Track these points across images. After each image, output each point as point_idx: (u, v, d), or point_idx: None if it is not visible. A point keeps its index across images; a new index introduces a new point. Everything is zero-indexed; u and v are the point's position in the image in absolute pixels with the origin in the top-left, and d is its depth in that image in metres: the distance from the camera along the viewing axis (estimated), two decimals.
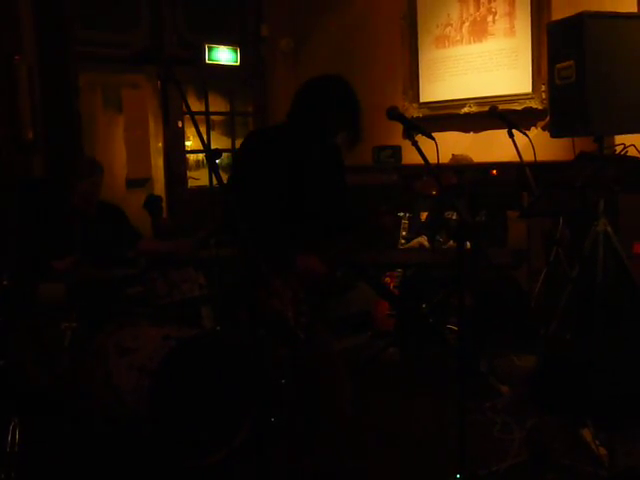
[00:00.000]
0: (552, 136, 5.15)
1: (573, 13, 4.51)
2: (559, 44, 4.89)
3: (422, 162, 2.94)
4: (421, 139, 2.99)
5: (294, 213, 3.06)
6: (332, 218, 3.18)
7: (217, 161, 2.46)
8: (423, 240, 5.31)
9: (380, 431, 4.03)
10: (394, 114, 3.04)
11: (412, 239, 5.38)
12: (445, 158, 5.26)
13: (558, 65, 4.85)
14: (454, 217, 5.15)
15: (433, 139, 2.91)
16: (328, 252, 3.09)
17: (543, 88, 5.58)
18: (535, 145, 4.38)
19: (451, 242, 5.11)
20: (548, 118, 5.40)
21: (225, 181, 2.55)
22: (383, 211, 3.21)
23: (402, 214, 5.47)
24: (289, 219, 3.05)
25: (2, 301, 3.69)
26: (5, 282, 3.64)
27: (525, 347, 5.05)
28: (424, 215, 5.46)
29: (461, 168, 5.00)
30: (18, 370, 3.91)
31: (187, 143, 6.57)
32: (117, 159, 6.03)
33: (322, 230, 3.14)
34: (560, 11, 5.37)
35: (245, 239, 2.33)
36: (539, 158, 4.41)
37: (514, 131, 4.50)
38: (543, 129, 5.57)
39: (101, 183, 4.56)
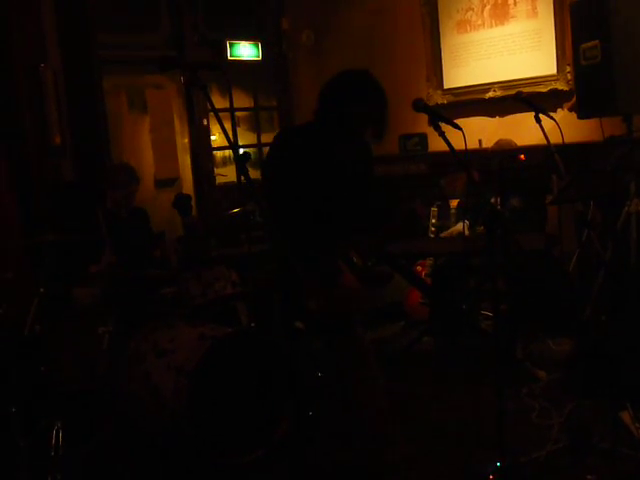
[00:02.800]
0: (579, 117, 5.12)
1: None
2: (583, 24, 4.85)
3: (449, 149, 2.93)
4: (447, 126, 2.98)
5: (324, 212, 3.07)
6: (360, 216, 3.19)
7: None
8: (461, 227, 5.26)
9: (418, 421, 4.03)
10: (420, 106, 3.03)
11: (443, 227, 5.36)
12: (472, 144, 5.23)
13: (583, 45, 4.81)
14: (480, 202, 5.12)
15: (460, 129, 2.90)
16: (361, 247, 3.10)
17: (568, 69, 5.52)
18: (562, 127, 4.34)
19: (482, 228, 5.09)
20: (574, 99, 5.37)
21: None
22: (418, 206, 3.20)
23: (418, 207, 5.45)
24: (320, 218, 3.05)
25: (40, 308, 3.75)
26: (42, 289, 3.70)
27: (561, 331, 5.02)
28: (454, 203, 5.43)
29: (508, 152, 4.95)
30: (59, 375, 3.97)
31: (212, 137, 6.59)
32: (144, 160, 6.07)
33: (351, 228, 3.14)
34: None
35: (281, 242, 2.34)
36: (567, 140, 4.37)
37: (541, 115, 4.45)
38: (570, 110, 5.52)
39: (136, 192, 4.61)
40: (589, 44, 4.75)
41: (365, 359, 3.19)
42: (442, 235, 5.38)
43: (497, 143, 5.10)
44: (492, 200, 5.03)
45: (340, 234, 3.10)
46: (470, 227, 5.23)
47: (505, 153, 5.04)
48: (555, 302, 4.91)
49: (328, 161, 3.10)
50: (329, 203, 3.08)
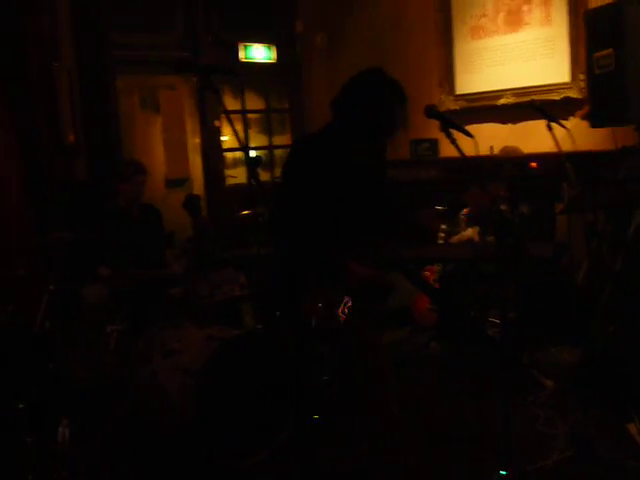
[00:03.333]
0: (592, 126, 5.11)
1: (611, 0, 4.44)
2: (597, 32, 4.83)
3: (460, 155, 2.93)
4: (459, 132, 2.98)
5: (339, 217, 3.07)
6: (376, 221, 3.19)
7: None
8: (472, 233, 5.27)
9: (422, 426, 4.03)
10: (432, 112, 3.03)
11: (452, 233, 5.36)
12: (484, 151, 5.23)
13: (597, 54, 4.80)
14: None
15: (471, 137, 2.90)
16: (376, 254, 3.10)
17: (581, 77, 5.51)
18: (574, 135, 4.35)
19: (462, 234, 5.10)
20: (587, 107, 5.35)
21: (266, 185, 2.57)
22: (438, 213, 3.20)
23: (440, 208, 5.44)
24: (336, 223, 3.06)
25: (49, 305, 3.77)
26: (52, 287, 3.72)
27: (568, 340, 5.01)
28: (465, 211, 5.42)
29: (515, 160, 4.94)
30: (67, 372, 3.99)
31: (223, 138, 6.60)
32: (155, 159, 6.09)
33: (367, 232, 3.14)
34: None
35: (291, 248, 2.34)
36: (579, 148, 4.38)
37: (553, 123, 4.45)
38: (582, 119, 5.50)
39: (144, 184, 4.63)
40: (603, 52, 4.74)
41: (378, 361, 3.18)
42: (451, 240, 5.37)
43: (503, 150, 5.09)
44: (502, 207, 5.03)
45: (355, 239, 3.10)
46: (480, 234, 5.23)
47: (514, 160, 5.03)
48: (562, 311, 4.90)
49: (344, 164, 3.10)
50: (345, 207, 3.08)
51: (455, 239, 5.36)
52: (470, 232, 5.31)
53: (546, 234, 5.02)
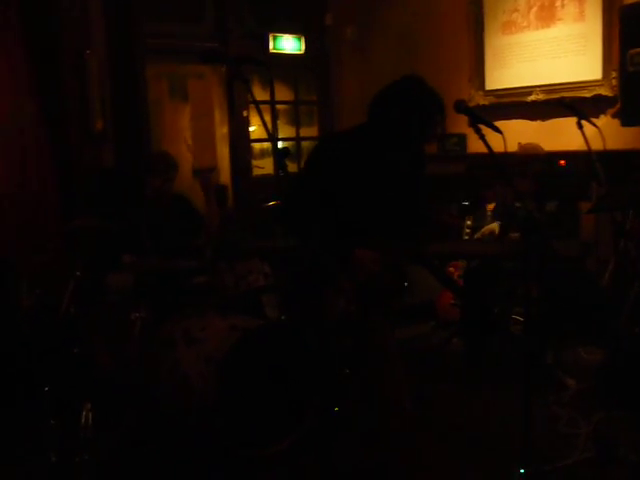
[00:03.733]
0: (623, 124, 5.07)
1: None
2: (632, 29, 4.79)
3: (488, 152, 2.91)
4: (487, 128, 2.96)
5: (365, 217, 3.07)
6: (406, 221, 3.18)
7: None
8: (495, 227, 5.24)
9: (443, 423, 4.03)
10: (462, 108, 3.01)
11: (478, 228, 5.33)
12: (512, 147, 5.18)
13: (631, 51, 4.75)
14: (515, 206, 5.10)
15: (500, 132, 2.88)
16: (396, 252, 3.10)
17: (614, 75, 5.45)
18: (605, 133, 4.30)
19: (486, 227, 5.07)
20: (618, 106, 5.30)
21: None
22: (452, 215, 3.18)
23: (467, 203, 5.42)
24: (360, 222, 3.05)
25: (75, 291, 3.80)
26: (78, 273, 3.75)
27: (593, 340, 4.97)
28: (490, 207, 5.40)
29: (528, 159, 4.91)
30: (90, 357, 4.03)
31: (250, 128, 6.62)
32: (183, 148, 6.12)
33: (392, 232, 3.14)
34: None
35: (312, 240, 2.35)
36: (609, 146, 4.33)
37: (583, 121, 4.40)
38: (613, 117, 5.45)
39: (175, 179, 4.66)
40: (637, 50, 4.69)
41: (393, 358, 3.19)
42: (476, 236, 5.35)
43: (522, 147, 5.03)
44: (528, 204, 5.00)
45: (381, 235, 3.10)
46: (501, 230, 5.20)
47: (543, 157, 4.98)
48: (587, 310, 4.86)
49: (377, 166, 3.08)
50: (374, 206, 3.07)
51: (478, 234, 5.34)
52: (492, 226, 5.28)
53: (571, 232, 4.98)
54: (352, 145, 3.10)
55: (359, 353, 3.19)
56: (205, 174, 4.48)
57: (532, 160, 4.93)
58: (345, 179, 3.01)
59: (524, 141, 5.22)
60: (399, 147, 3.10)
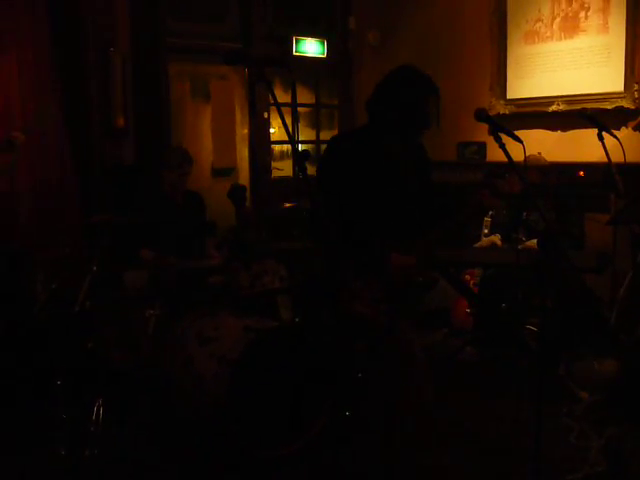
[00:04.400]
0: None
1: None
2: None
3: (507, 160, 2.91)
4: (507, 138, 2.96)
5: (380, 212, 3.08)
6: (418, 216, 3.19)
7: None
8: (496, 239, 5.25)
9: (454, 431, 4.02)
10: (482, 116, 3.01)
11: (475, 237, 5.34)
12: None
13: None
14: (532, 217, 5.09)
15: (521, 142, 2.88)
16: (416, 248, 3.10)
17: (636, 87, 5.43)
18: (625, 146, 4.28)
19: (528, 242, 5.05)
20: None
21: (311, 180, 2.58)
22: (487, 193, 3.17)
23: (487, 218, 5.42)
24: (376, 219, 3.07)
25: (91, 286, 3.83)
26: (95, 268, 3.77)
27: (606, 352, 4.94)
28: (487, 218, 5.40)
29: (542, 169, 4.91)
30: (103, 352, 4.05)
31: (271, 130, 6.63)
32: (204, 148, 6.15)
33: (408, 227, 3.15)
34: None
35: (331, 242, 2.36)
36: (629, 159, 4.31)
37: (604, 133, 4.39)
38: (634, 129, 5.43)
39: (189, 174, 4.68)
40: None
41: (415, 360, 3.18)
42: (475, 245, 5.36)
43: (527, 159, 5.02)
44: (525, 214, 5.01)
45: (397, 231, 3.11)
46: (502, 240, 5.21)
47: (562, 168, 4.97)
48: (601, 322, 4.84)
49: (382, 161, 3.11)
50: (389, 203, 3.09)
51: (478, 245, 5.34)
52: (493, 238, 5.28)
53: (575, 243, 4.98)
54: (356, 143, 3.13)
55: (379, 355, 3.18)
56: (238, 189, 4.48)
57: (550, 170, 4.93)
58: (353, 177, 3.04)
59: (544, 151, 5.22)
60: (399, 136, 3.13)
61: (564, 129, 5.90)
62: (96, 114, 5.27)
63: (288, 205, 5.11)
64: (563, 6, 5.87)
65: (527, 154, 2.96)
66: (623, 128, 5.48)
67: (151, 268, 4.27)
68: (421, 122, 3.13)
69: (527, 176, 4.93)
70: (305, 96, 6.98)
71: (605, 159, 4.41)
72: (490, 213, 5.38)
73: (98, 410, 3.69)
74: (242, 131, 6.48)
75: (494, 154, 6.03)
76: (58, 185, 5.05)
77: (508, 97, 6.24)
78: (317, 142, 7.04)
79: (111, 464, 3.60)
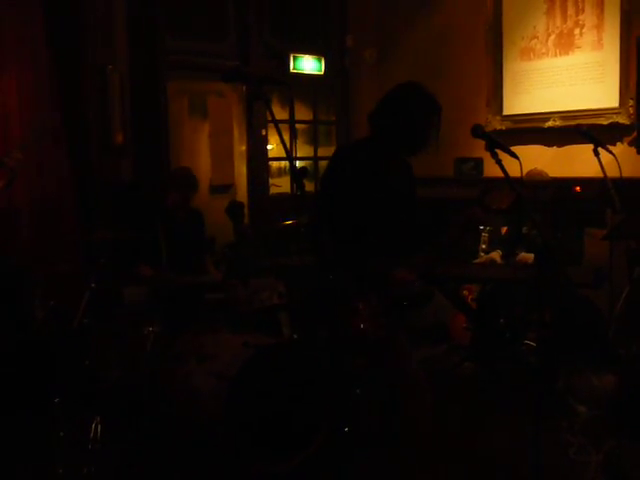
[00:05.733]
0: (639, 152, 5.07)
1: None
2: None
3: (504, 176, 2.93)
4: (504, 154, 2.98)
5: (376, 227, 3.10)
6: (407, 232, 3.21)
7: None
8: (496, 255, 5.27)
9: (452, 446, 4.01)
10: (479, 132, 3.03)
11: (474, 252, 5.36)
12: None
13: None
14: (532, 232, 5.11)
15: (517, 158, 2.89)
16: (411, 263, 3.12)
17: (631, 103, 5.46)
18: (621, 161, 4.30)
19: (522, 255, 5.07)
20: (635, 134, 5.31)
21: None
22: (478, 209, 3.18)
23: (482, 227, 5.44)
24: (372, 233, 3.09)
25: (90, 303, 3.83)
26: (93, 285, 3.78)
27: (605, 367, 4.95)
28: (504, 229, 5.42)
29: (540, 184, 4.93)
30: (101, 370, 4.05)
31: (268, 147, 6.66)
32: (201, 165, 6.16)
33: (399, 243, 3.16)
34: None
35: (331, 256, 2.37)
36: (625, 174, 4.33)
37: (599, 148, 4.41)
38: (629, 145, 5.46)
39: (194, 197, 4.70)
40: None
41: (414, 376, 3.19)
42: (475, 262, 5.37)
43: (528, 173, 5.05)
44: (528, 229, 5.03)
45: (390, 249, 3.13)
46: (503, 257, 5.22)
47: (559, 183, 5.00)
48: (599, 337, 4.85)
49: (379, 176, 3.13)
50: (381, 218, 3.11)
51: (477, 261, 5.36)
52: (494, 255, 5.30)
53: (573, 258, 5.01)
54: (358, 155, 3.15)
55: (377, 372, 3.19)
56: (244, 225, 4.51)
57: (548, 185, 4.96)
58: (354, 189, 3.06)
59: (540, 167, 5.24)
60: (399, 151, 3.15)
61: (560, 145, 5.93)
62: (95, 131, 5.29)
63: (286, 222, 5.13)
64: (558, 23, 5.91)
65: (525, 170, 2.98)
66: (619, 143, 5.51)
67: (149, 284, 4.27)
68: (421, 140, 3.15)
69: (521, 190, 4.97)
70: (303, 113, 7.01)
71: (601, 174, 4.43)
72: (487, 229, 5.41)
73: (96, 428, 3.69)
74: (240, 148, 6.50)
75: (491, 170, 6.05)
76: (57, 201, 5.07)
77: (504, 113, 6.28)
78: (315, 159, 7.06)
79: None
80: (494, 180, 3.13)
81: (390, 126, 3.12)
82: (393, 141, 3.15)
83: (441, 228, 3.25)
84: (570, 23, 5.84)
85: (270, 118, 2.55)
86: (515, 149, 2.93)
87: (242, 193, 6.50)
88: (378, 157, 3.16)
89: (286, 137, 2.67)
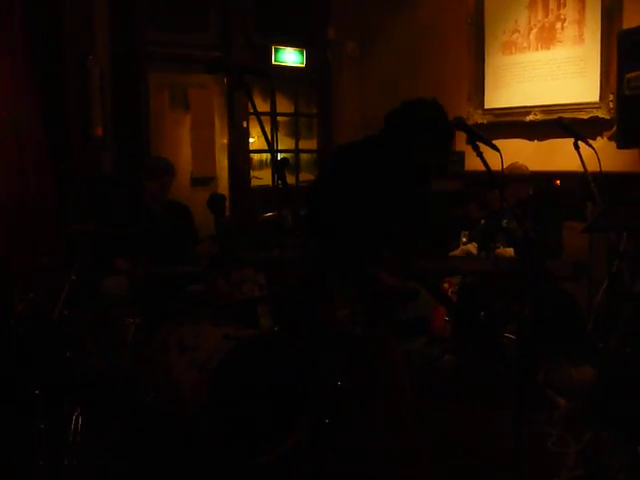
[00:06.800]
0: (619, 147, 5.11)
1: None
2: (630, 53, 4.84)
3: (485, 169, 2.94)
4: (485, 146, 2.99)
5: (377, 226, 3.10)
6: (413, 232, 3.22)
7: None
8: (472, 247, 5.30)
9: (433, 439, 4.02)
10: (460, 124, 3.04)
11: (452, 246, 5.39)
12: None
13: (628, 75, 4.80)
14: (511, 225, 5.13)
15: (498, 150, 2.90)
16: (400, 264, 3.12)
17: (611, 98, 5.50)
18: (601, 155, 4.32)
19: (500, 248, 5.10)
20: (615, 128, 5.35)
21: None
22: (474, 207, 3.20)
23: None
24: (372, 232, 3.09)
25: (70, 295, 3.81)
26: (73, 277, 3.75)
27: (583, 360, 4.99)
28: (483, 221, 5.44)
29: (519, 177, 4.96)
30: (82, 362, 4.03)
31: (250, 139, 6.64)
32: (182, 157, 6.14)
33: (401, 242, 3.17)
34: (632, 19, 5.31)
35: (317, 255, 2.37)
36: (604, 168, 4.35)
37: (580, 142, 4.44)
38: (610, 139, 5.50)
39: (171, 184, 4.68)
40: (634, 74, 4.74)
41: (394, 369, 3.19)
42: (451, 254, 5.39)
43: (509, 167, 5.08)
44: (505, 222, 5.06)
45: (384, 249, 3.13)
46: (479, 249, 5.25)
47: (539, 176, 5.03)
48: (578, 330, 4.89)
49: (387, 179, 3.13)
50: (382, 218, 3.11)
51: (453, 253, 5.38)
52: (469, 247, 5.33)
53: (553, 252, 5.03)
54: (367, 156, 3.14)
55: (360, 366, 3.19)
56: (217, 198, 4.49)
57: (529, 179, 4.98)
58: (359, 189, 3.05)
59: (521, 160, 5.27)
60: (408, 168, 3.15)
61: (541, 139, 5.97)
62: (74, 123, 5.25)
63: (267, 214, 5.12)
64: (539, 17, 5.94)
65: (506, 163, 2.99)
66: (599, 138, 5.55)
67: (126, 276, 4.26)
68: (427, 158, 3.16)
69: (519, 191, 5.00)
70: (284, 105, 7.00)
71: (581, 168, 4.45)
72: None
73: (77, 420, 3.67)
74: (221, 140, 6.48)
75: (472, 163, 6.07)
76: (36, 194, 5.02)
77: (486, 107, 6.30)
78: (296, 151, 7.06)
79: (91, 475, 3.58)
80: (477, 173, 3.14)
81: (408, 142, 3.11)
82: (397, 148, 3.14)
83: (429, 223, 3.27)
84: (552, 17, 5.87)
85: (252, 110, 2.54)
86: (496, 143, 2.95)
87: (223, 185, 6.49)
88: (383, 159, 3.15)
89: (268, 129, 2.67)
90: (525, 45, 6.04)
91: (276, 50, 6.64)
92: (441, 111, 3.16)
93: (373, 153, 3.16)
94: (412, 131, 3.10)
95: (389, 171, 3.14)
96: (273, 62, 6.64)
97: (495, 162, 2.89)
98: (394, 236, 3.15)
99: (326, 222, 2.90)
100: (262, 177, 6.73)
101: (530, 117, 5.99)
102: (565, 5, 5.78)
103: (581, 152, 4.41)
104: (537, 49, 5.97)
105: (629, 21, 5.33)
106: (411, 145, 3.10)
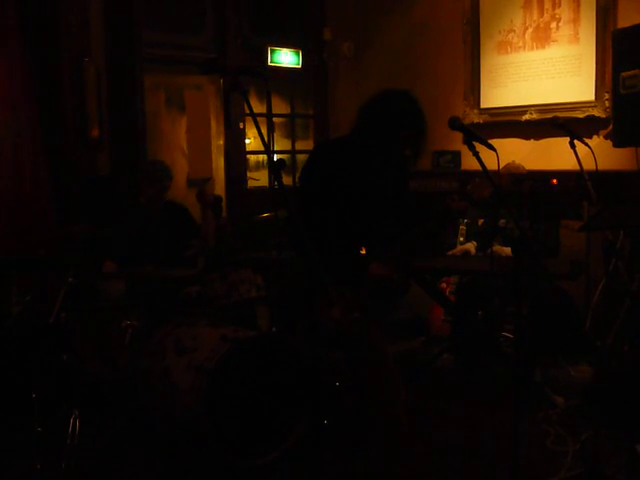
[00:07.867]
0: (615, 145, 5.11)
1: None
2: (625, 52, 4.84)
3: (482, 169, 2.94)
4: (481, 146, 2.99)
5: (356, 223, 3.10)
6: (394, 227, 3.22)
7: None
8: (470, 247, 5.30)
9: (431, 438, 4.03)
10: (456, 124, 3.04)
11: (451, 246, 5.39)
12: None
13: (623, 74, 4.80)
14: (509, 225, 5.14)
15: (494, 150, 2.91)
16: (390, 256, 3.12)
17: (606, 96, 5.50)
18: (597, 154, 4.32)
19: (496, 247, 5.10)
20: (611, 127, 5.35)
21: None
22: (456, 198, 3.19)
23: (460, 220, 5.46)
24: (352, 229, 3.09)
25: (67, 297, 3.81)
26: (70, 279, 3.76)
27: (581, 358, 5.00)
28: (481, 222, 5.44)
29: (518, 177, 4.96)
30: (80, 364, 4.03)
31: (246, 141, 6.64)
32: (179, 159, 6.14)
33: (383, 239, 3.17)
34: (627, 18, 5.31)
35: (309, 251, 2.37)
36: (601, 167, 4.35)
37: (576, 141, 4.44)
38: (606, 138, 5.50)
39: (169, 189, 4.69)
40: (629, 73, 4.74)
41: (386, 371, 3.19)
42: (449, 253, 5.40)
43: (505, 167, 5.08)
44: (502, 221, 5.07)
45: (372, 244, 3.13)
46: (478, 248, 5.25)
47: (536, 176, 5.04)
48: (576, 328, 4.89)
49: (366, 175, 3.13)
50: (365, 215, 3.11)
51: (451, 252, 5.38)
52: (468, 246, 5.33)
53: (550, 251, 5.05)
54: (342, 152, 3.15)
55: (354, 366, 3.19)
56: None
57: (525, 178, 4.99)
58: (337, 185, 3.05)
59: (517, 160, 5.27)
60: (383, 159, 3.16)
61: (537, 138, 5.97)
62: (71, 124, 5.24)
63: (264, 215, 5.12)
64: (535, 17, 5.94)
65: (502, 163, 2.99)
66: (595, 137, 5.55)
67: (117, 278, 4.27)
68: (395, 150, 3.16)
69: (500, 182, 4.99)
70: (280, 106, 7.00)
71: (577, 167, 4.46)
72: (465, 221, 5.43)
73: (74, 423, 3.67)
74: (217, 141, 6.48)
75: (468, 163, 6.08)
76: (32, 196, 5.02)
77: (482, 106, 6.30)
78: (293, 152, 7.06)
79: (88, 477, 3.58)
80: (473, 173, 3.14)
81: (371, 127, 3.12)
82: (370, 141, 3.14)
83: (418, 220, 3.26)
84: (547, 17, 5.87)
85: (248, 111, 2.54)
86: (492, 142, 2.94)
87: (220, 186, 6.48)
88: (359, 155, 3.15)
89: (264, 130, 2.67)
90: (520, 44, 6.04)
91: (272, 51, 6.64)
92: (414, 100, 3.16)
93: (349, 148, 3.16)
94: (389, 122, 3.09)
95: (365, 164, 3.14)
96: (269, 63, 6.64)
97: (491, 162, 2.89)
98: (375, 231, 3.15)
99: (307, 222, 2.90)
100: (259, 178, 6.74)
101: (526, 116, 6.00)
102: (560, 5, 5.78)
103: (577, 151, 4.41)
104: (532, 48, 5.97)
105: (624, 20, 5.33)
106: (388, 136, 3.10)
